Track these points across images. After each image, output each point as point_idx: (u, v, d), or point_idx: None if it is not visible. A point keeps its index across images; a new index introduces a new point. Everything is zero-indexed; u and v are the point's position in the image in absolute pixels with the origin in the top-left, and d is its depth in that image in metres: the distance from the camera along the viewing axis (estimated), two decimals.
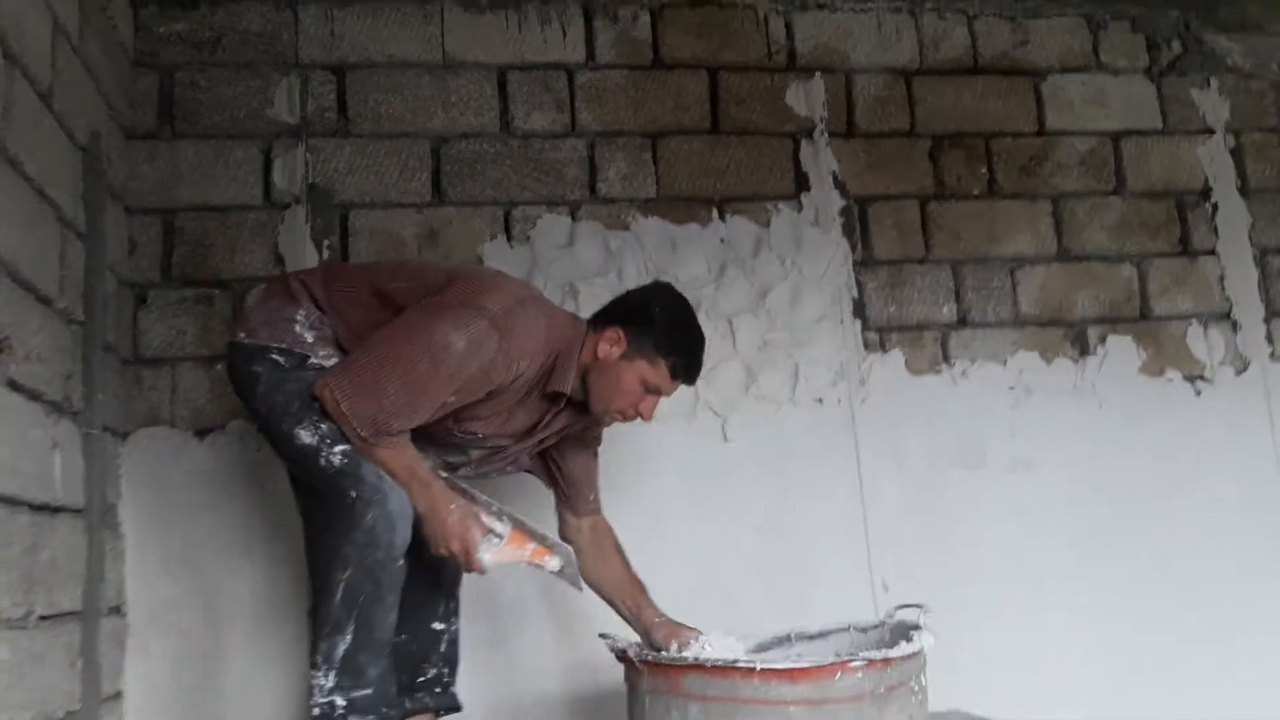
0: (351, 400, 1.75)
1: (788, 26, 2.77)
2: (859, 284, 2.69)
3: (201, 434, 2.37)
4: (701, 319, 2.52)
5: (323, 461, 1.77)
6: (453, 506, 1.78)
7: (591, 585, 2.04)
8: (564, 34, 2.65)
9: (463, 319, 1.78)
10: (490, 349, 1.78)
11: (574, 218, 2.57)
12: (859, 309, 2.67)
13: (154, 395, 2.36)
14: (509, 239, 2.53)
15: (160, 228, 2.42)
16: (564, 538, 2.03)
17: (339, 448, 1.76)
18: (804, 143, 2.72)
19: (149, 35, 2.47)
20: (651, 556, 2.16)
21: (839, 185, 2.72)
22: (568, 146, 2.61)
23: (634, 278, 2.50)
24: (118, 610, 2.24)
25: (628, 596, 2.06)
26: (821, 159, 2.72)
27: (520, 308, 1.86)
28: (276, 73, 2.52)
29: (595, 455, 2.13)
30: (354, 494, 1.72)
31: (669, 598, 2.31)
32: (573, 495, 2.10)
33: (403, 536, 1.74)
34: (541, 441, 2.02)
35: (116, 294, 2.27)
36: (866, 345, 2.66)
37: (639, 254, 2.55)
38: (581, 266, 2.52)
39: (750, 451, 2.52)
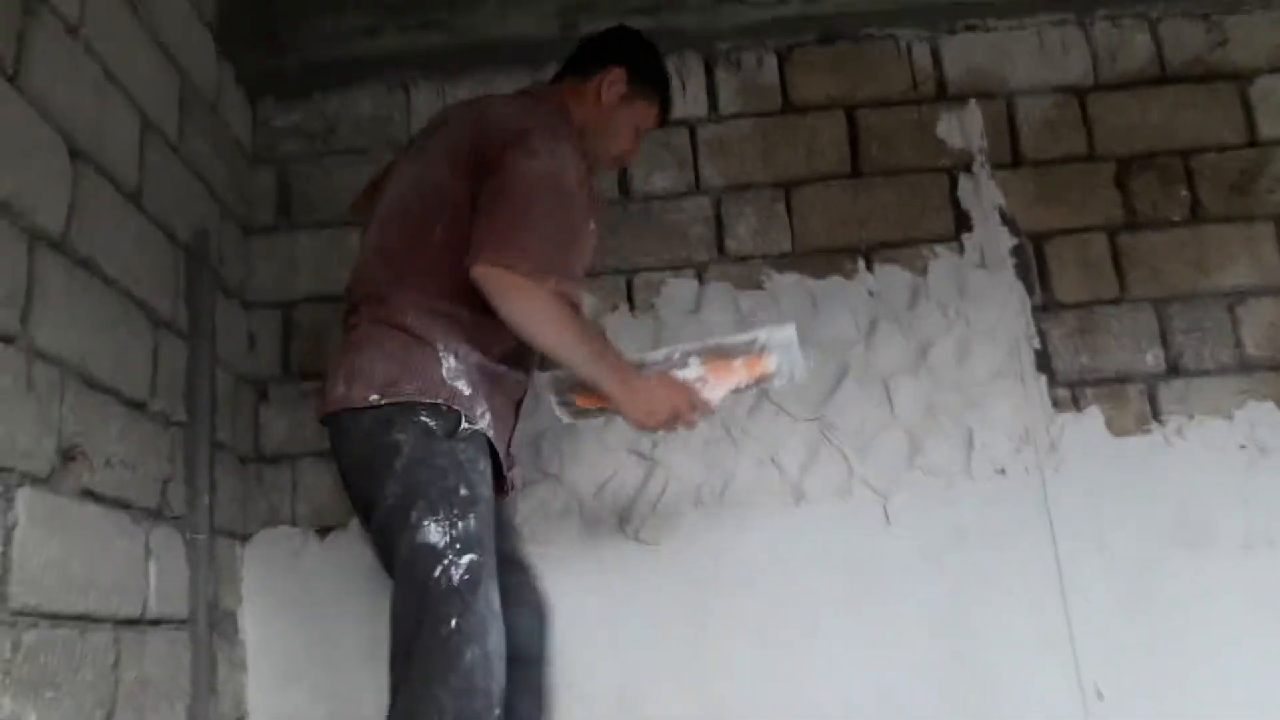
0: (513, 246, 1.52)
1: (934, 53, 2.48)
2: (1041, 332, 2.31)
3: (323, 533, 2.26)
4: (851, 383, 2.27)
5: (437, 572, 1.45)
6: (644, 375, 1.58)
7: None
8: (683, 87, 2.46)
9: (529, 147, 1.60)
10: (567, 151, 1.64)
11: (701, 280, 2.34)
12: (1043, 361, 2.29)
13: (274, 494, 2.28)
14: (631, 308, 2.33)
15: (279, 322, 2.37)
16: None
17: (466, 558, 1.46)
18: (962, 178, 2.40)
19: (266, 130, 2.46)
20: (801, 664, 1.86)
21: (1007, 221, 2.37)
22: (691, 205, 2.40)
23: None
24: None
25: None
26: (984, 193, 2.38)
27: (541, 111, 1.73)
28: (389, 156, 2.44)
29: None
30: (454, 623, 1.43)
31: (822, 715, 2.00)
32: None
33: (500, 683, 1.46)
34: None
35: (235, 392, 2.22)
36: (1056, 403, 2.27)
37: (774, 314, 2.27)
38: (711, 332, 2.24)
39: (918, 536, 2.17)
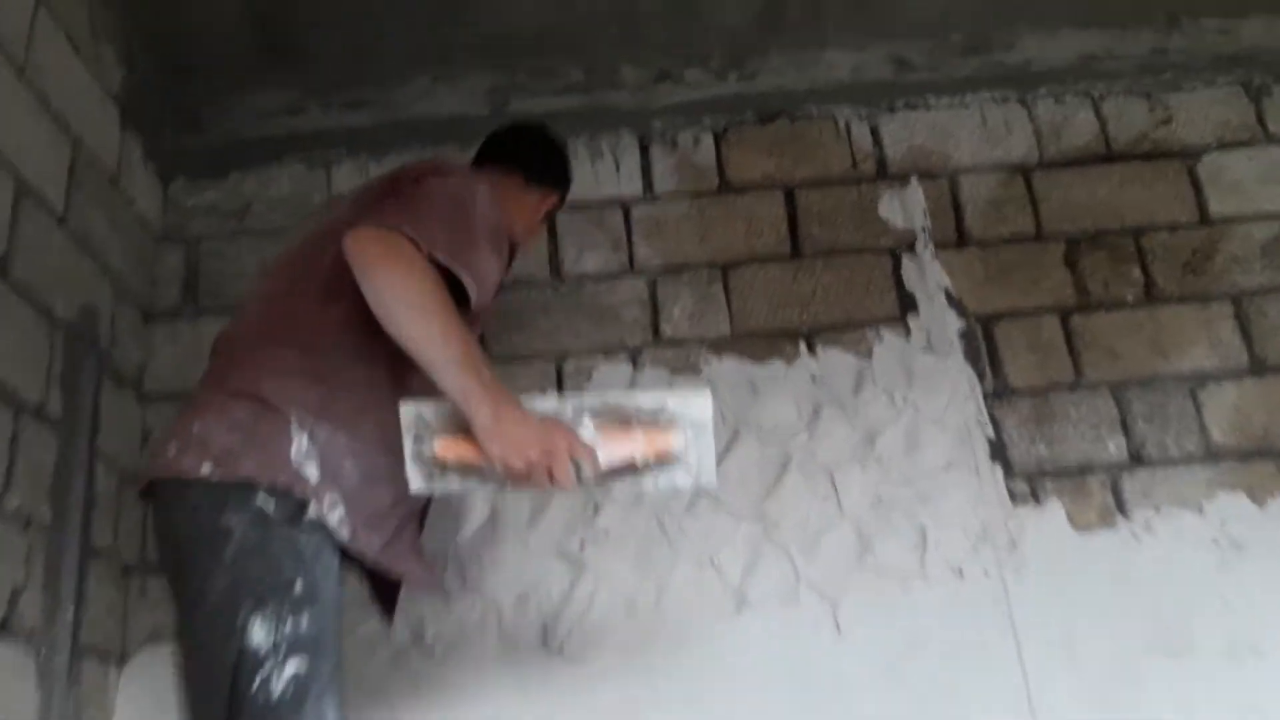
0: (401, 219, 1.33)
1: (874, 132, 2.41)
2: (994, 420, 2.17)
3: None
4: (794, 475, 2.11)
5: (257, 682, 1.23)
6: (521, 410, 1.28)
7: None
8: (617, 167, 2.37)
9: (443, 172, 1.54)
10: (484, 189, 1.53)
11: (635, 364, 2.19)
12: (997, 451, 2.14)
13: (161, 608, 2.04)
14: (560, 393, 2.17)
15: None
16: None
17: (291, 664, 1.24)
18: (905, 258, 2.29)
19: (177, 209, 2.32)
20: None
21: (954, 303, 2.25)
22: (625, 286, 2.26)
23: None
24: None
25: None
26: (929, 274, 2.28)
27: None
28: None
29: None
30: None
31: None
32: None
33: None
34: None
35: (120, 492, 2.01)
36: (1014, 497, 2.11)
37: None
38: None
39: (871, 645, 1.97)
